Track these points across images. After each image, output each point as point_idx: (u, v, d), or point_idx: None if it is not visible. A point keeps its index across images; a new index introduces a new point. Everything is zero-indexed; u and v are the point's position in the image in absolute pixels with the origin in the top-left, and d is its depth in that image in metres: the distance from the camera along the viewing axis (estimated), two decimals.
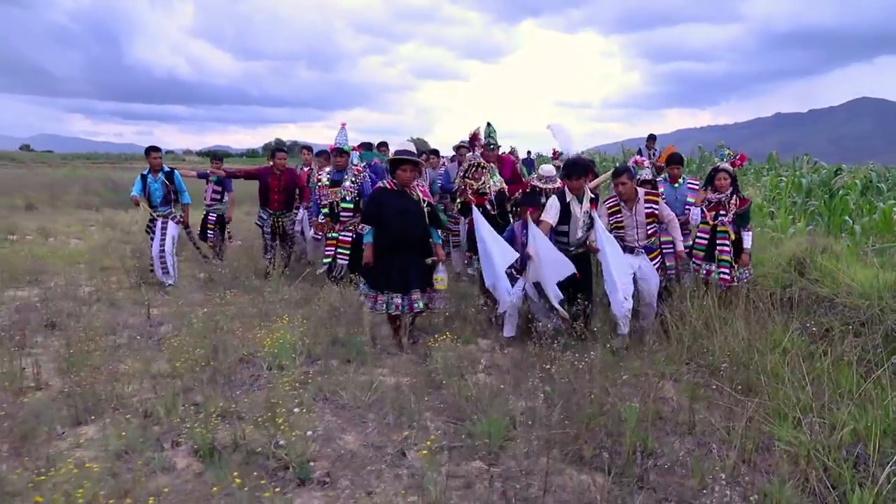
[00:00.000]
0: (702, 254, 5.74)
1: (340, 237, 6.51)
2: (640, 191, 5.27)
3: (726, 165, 5.74)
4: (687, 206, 5.91)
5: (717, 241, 5.62)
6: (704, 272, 5.69)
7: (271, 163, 7.65)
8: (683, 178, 6.22)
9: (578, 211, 5.14)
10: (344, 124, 6.74)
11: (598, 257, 5.15)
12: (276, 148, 7.85)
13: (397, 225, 4.75)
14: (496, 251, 4.94)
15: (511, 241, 5.23)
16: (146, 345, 4.87)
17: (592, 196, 5.30)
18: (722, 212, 5.60)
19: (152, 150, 7.26)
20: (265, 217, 7.64)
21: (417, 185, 4.98)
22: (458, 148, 8.02)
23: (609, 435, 3.20)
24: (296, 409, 3.26)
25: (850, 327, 4.46)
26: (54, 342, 4.90)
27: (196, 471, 2.91)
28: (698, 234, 5.83)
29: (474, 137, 6.71)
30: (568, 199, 5.12)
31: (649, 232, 5.29)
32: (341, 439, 3.28)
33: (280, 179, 7.53)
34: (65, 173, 26.51)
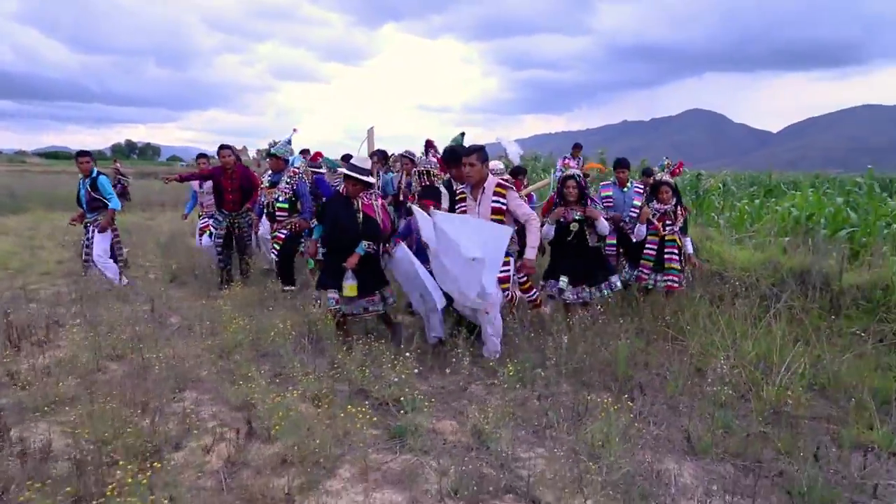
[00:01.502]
0: (650, 264, 5.83)
1: (277, 235, 6.74)
2: (493, 180, 4.68)
3: (667, 178, 5.86)
4: (633, 210, 6.15)
5: (666, 250, 5.74)
6: (653, 282, 5.83)
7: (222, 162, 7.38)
8: (631, 182, 6.47)
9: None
10: (295, 130, 7.15)
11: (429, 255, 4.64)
12: (221, 146, 7.55)
13: (332, 229, 4.96)
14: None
15: (408, 234, 5.36)
16: (176, 333, 5.40)
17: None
18: (668, 222, 5.75)
19: (79, 155, 7.18)
20: (220, 219, 7.44)
21: (365, 197, 4.99)
22: (401, 157, 8.03)
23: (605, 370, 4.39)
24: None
25: (736, 293, 6.05)
26: (75, 337, 5.28)
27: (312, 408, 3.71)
28: (647, 246, 5.85)
29: (430, 145, 6.84)
30: (455, 188, 5.06)
31: None
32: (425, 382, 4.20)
33: (232, 178, 7.28)
34: None
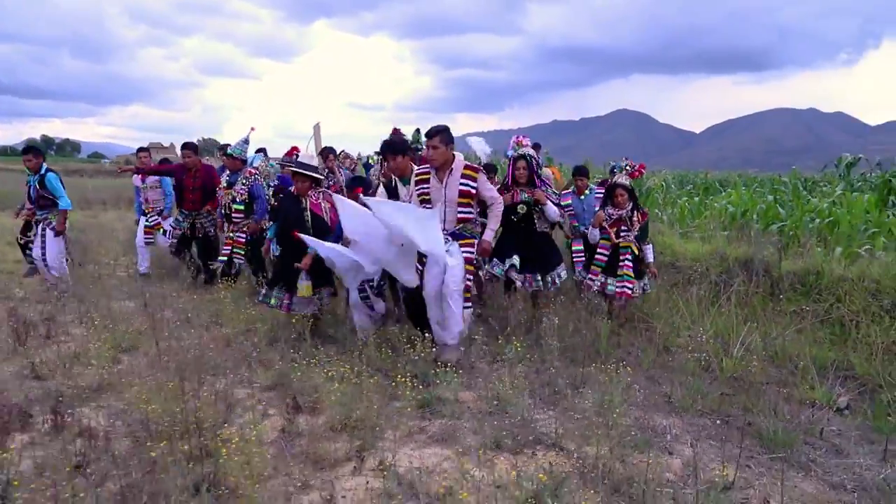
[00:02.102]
0: (599, 269, 5.58)
1: (235, 237, 6.69)
2: (461, 162, 4.59)
3: (623, 180, 5.48)
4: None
5: (620, 257, 5.45)
6: (599, 284, 5.53)
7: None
8: (591, 189, 6.38)
9: (404, 192, 5.02)
10: (252, 129, 6.96)
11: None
12: (184, 144, 7.44)
13: (283, 228, 5.09)
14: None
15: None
16: (179, 325, 5.61)
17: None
18: (624, 228, 5.44)
19: (24, 152, 7.00)
20: (181, 219, 7.36)
21: (313, 196, 5.08)
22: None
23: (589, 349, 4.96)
24: None
25: (690, 280, 6.78)
26: (76, 333, 5.43)
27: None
28: (598, 251, 5.63)
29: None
30: (393, 183, 5.13)
31: (460, 216, 4.60)
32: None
33: (195, 177, 7.20)
34: None
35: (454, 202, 4.54)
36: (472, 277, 4.82)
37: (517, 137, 5.63)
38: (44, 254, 6.89)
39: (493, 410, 3.67)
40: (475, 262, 5.01)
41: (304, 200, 5.05)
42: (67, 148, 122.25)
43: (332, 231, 5.06)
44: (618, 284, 5.47)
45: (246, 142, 6.88)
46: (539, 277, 5.46)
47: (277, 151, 8.64)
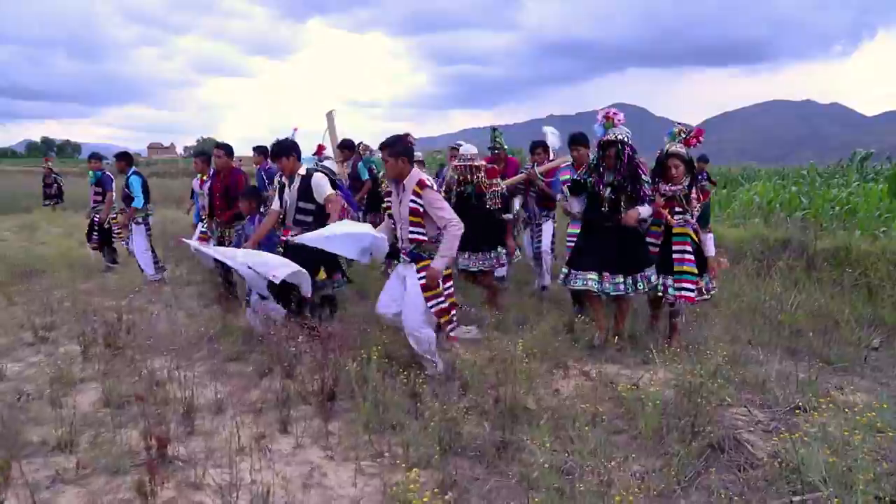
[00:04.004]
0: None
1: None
2: (414, 177, 4.08)
3: (678, 148, 4.51)
4: None
5: (675, 248, 4.56)
6: (661, 287, 4.70)
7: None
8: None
9: (287, 193, 5.08)
10: (295, 129, 6.83)
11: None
12: (216, 144, 6.91)
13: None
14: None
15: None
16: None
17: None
18: (679, 209, 4.49)
19: (117, 157, 8.03)
20: (210, 229, 6.86)
21: None
22: (450, 149, 8.00)
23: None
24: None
25: (736, 259, 8.13)
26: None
27: None
28: (648, 240, 4.78)
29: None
30: (284, 181, 5.16)
31: (411, 236, 4.11)
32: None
33: (222, 181, 6.60)
34: None
35: (406, 220, 4.13)
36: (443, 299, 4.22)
37: (608, 111, 4.69)
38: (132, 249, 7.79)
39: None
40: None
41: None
42: (68, 149, 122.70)
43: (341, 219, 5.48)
44: (677, 285, 4.58)
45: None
46: (621, 280, 4.66)
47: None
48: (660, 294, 4.77)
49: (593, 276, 4.66)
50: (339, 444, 3.37)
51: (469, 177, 5.68)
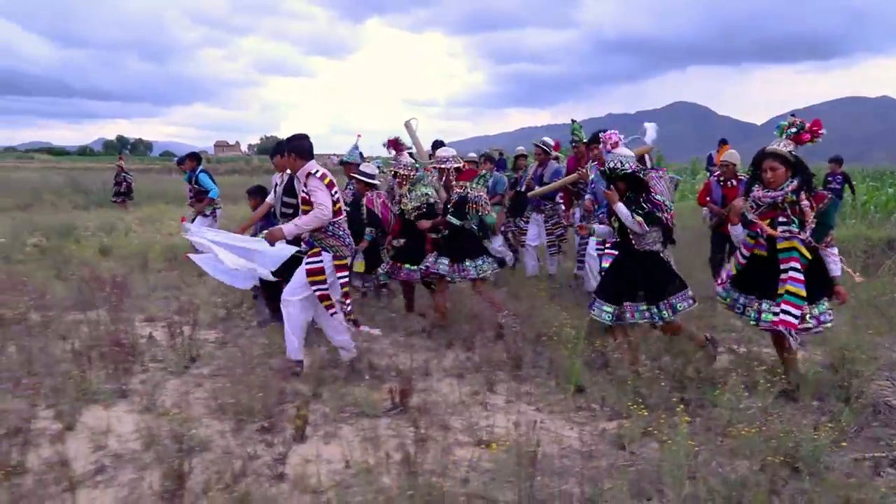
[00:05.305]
0: (736, 285, 4.18)
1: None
2: (306, 170, 4.35)
3: (777, 146, 3.78)
4: None
5: (781, 265, 3.79)
6: (741, 307, 4.09)
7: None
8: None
9: (279, 187, 5.50)
10: (359, 136, 7.16)
11: None
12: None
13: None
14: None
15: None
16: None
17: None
18: (783, 219, 3.73)
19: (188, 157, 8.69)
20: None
21: (369, 194, 6.41)
22: (517, 157, 8.48)
23: None
24: None
25: (843, 256, 8.48)
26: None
27: None
28: (742, 252, 4.17)
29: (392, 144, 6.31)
30: (277, 181, 5.57)
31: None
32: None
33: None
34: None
35: (301, 209, 4.56)
36: (327, 286, 4.45)
37: (608, 134, 4.44)
38: None
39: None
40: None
41: (362, 199, 6.29)
42: (141, 147, 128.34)
43: (383, 223, 6.49)
44: (775, 309, 3.80)
45: (356, 148, 7.08)
46: (645, 307, 4.28)
47: (336, 148, 8.92)
48: (752, 323, 4.07)
49: (609, 308, 4.34)
50: (540, 401, 4.10)
51: (442, 178, 5.73)
